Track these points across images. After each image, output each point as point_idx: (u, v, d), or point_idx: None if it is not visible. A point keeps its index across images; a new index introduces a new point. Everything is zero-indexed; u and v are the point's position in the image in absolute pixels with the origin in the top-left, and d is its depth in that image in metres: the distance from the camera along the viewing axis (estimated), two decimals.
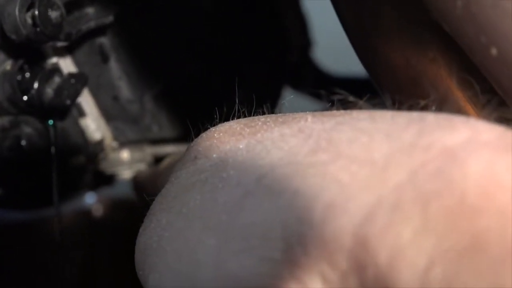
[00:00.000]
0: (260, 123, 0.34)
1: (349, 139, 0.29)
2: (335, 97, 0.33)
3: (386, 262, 0.26)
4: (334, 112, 0.33)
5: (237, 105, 0.37)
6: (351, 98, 0.33)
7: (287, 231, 0.28)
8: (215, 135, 0.35)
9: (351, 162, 0.28)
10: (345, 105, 0.33)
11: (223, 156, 0.33)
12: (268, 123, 0.34)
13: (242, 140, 0.33)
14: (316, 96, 0.70)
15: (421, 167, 0.27)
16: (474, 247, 0.24)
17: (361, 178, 0.27)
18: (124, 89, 0.57)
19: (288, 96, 0.68)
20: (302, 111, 0.34)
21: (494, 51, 0.32)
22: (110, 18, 0.53)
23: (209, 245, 0.30)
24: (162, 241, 0.32)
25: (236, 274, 0.29)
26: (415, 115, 0.30)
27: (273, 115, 0.35)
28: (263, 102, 0.37)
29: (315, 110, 0.34)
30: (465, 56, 0.34)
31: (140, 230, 0.35)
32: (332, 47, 0.78)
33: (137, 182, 0.63)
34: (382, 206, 0.26)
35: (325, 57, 0.74)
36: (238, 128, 0.34)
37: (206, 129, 0.36)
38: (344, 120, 0.31)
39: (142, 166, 0.62)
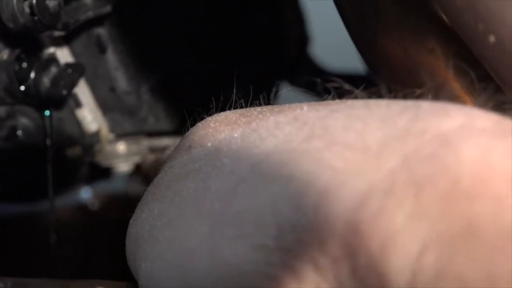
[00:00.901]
0: (256, 113, 0.34)
1: (343, 126, 0.29)
2: (331, 84, 0.33)
3: (377, 249, 0.25)
4: (330, 101, 0.33)
5: (234, 95, 0.37)
6: (346, 86, 0.33)
7: (280, 218, 0.28)
8: (211, 124, 0.34)
9: (345, 148, 0.28)
10: (341, 94, 0.33)
11: (217, 145, 0.33)
12: (264, 113, 0.33)
13: (237, 129, 0.33)
14: (312, 87, 0.69)
15: (415, 152, 0.26)
16: (468, 232, 0.24)
17: (354, 164, 0.27)
18: (121, 80, 0.56)
19: (285, 88, 0.68)
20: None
21: (492, 38, 0.32)
22: (107, 9, 0.53)
23: (201, 233, 0.30)
24: (154, 230, 0.32)
25: (229, 262, 0.29)
26: (410, 103, 0.30)
27: (270, 106, 0.35)
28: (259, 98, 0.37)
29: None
30: (464, 47, 0.34)
31: (131, 221, 0.34)
32: (330, 43, 0.78)
33: (141, 171, 0.62)
34: (375, 191, 0.26)
35: (322, 53, 0.74)
36: (233, 118, 0.34)
37: (202, 119, 0.36)
38: (339, 108, 0.31)
39: (138, 159, 0.62)
